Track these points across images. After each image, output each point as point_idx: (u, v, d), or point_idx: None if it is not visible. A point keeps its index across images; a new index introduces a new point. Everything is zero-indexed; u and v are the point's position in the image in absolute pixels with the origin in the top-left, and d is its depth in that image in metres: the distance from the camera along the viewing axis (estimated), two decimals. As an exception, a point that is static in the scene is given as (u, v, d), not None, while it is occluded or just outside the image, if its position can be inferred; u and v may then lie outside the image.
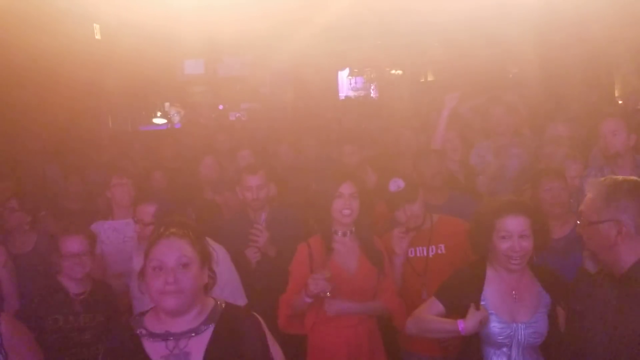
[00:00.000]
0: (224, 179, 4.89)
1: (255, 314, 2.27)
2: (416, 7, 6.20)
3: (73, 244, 3.33)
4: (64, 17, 5.70)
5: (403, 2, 6.34)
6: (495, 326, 2.73)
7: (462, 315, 2.73)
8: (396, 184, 3.40)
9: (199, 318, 2.13)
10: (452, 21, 6.25)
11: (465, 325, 2.68)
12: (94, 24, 6.99)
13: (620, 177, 2.20)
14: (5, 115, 6.16)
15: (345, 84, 10.66)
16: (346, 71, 10.54)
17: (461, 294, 2.79)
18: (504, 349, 2.74)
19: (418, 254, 3.42)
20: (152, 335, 2.10)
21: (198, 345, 2.09)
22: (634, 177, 2.22)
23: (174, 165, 5.57)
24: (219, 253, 3.07)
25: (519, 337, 2.73)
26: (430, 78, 9.93)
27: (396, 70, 10.09)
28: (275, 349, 2.24)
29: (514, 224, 2.72)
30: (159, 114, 9.63)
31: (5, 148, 5.76)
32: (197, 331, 2.11)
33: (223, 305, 2.21)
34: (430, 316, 2.81)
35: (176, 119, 9.49)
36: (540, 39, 6.41)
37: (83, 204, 5.04)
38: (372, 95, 10.44)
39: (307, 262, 3.18)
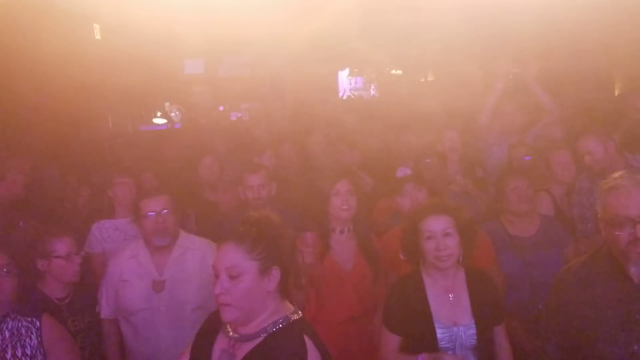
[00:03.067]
0: (223, 178, 4.90)
1: (307, 337, 2.08)
2: (416, 7, 6.19)
3: (64, 245, 3.26)
4: (63, 17, 5.69)
5: (403, 1, 6.34)
6: (437, 332, 2.75)
7: (418, 336, 2.77)
8: (403, 171, 3.46)
9: (265, 322, 2.05)
10: (453, 21, 6.23)
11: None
12: (94, 24, 6.98)
13: None
14: (5, 115, 6.15)
15: (345, 84, 10.65)
16: (346, 71, 10.52)
17: (407, 312, 2.80)
18: (449, 352, 2.76)
19: None
20: (224, 330, 2.10)
21: (245, 349, 2.05)
22: None
23: (174, 165, 5.57)
24: (211, 250, 3.08)
25: (461, 340, 2.75)
26: (430, 78, 9.92)
27: (396, 70, 10.07)
28: None
29: (436, 223, 2.80)
30: (159, 114, 9.61)
31: (4, 148, 5.75)
32: (252, 337, 2.05)
33: (294, 317, 2.08)
34: (393, 357, 2.81)
35: (176, 119, 9.47)
36: (541, 39, 6.40)
37: (82, 204, 5.03)
38: (372, 95, 10.43)
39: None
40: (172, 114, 9.46)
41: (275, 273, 2.05)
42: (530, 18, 5.97)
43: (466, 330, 2.76)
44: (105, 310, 3.42)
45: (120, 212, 4.29)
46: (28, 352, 2.49)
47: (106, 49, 6.82)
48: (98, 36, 6.97)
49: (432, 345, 2.76)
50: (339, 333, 3.23)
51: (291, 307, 2.12)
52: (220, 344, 2.10)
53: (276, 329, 2.03)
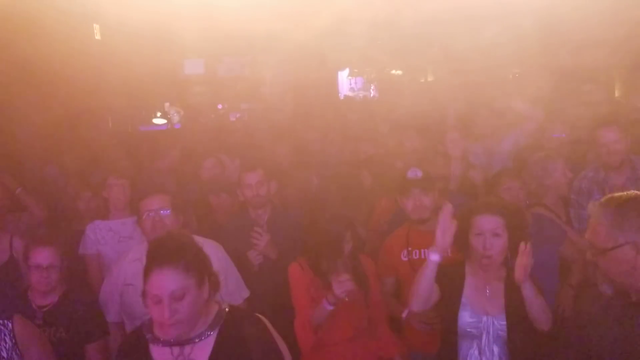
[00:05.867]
0: (223, 179, 4.89)
1: (259, 315, 2.30)
2: (416, 7, 6.19)
3: (41, 256, 3.18)
4: (63, 17, 5.69)
5: (403, 2, 6.34)
6: (465, 315, 2.87)
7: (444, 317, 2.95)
8: (414, 172, 3.43)
9: (203, 324, 2.16)
10: (453, 21, 6.24)
11: (432, 252, 2.79)
12: (94, 24, 6.98)
13: (622, 196, 2.10)
14: (5, 115, 6.15)
15: (345, 84, 10.65)
16: (346, 71, 10.52)
17: (444, 290, 2.93)
18: (475, 341, 2.86)
19: (422, 256, 3.41)
20: (158, 341, 2.15)
21: (202, 352, 2.13)
22: (632, 192, 2.12)
23: (174, 166, 5.57)
24: (214, 251, 3.07)
25: (489, 330, 2.84)
26: (430, 78, 9.92)
27: (396, 70, 10.07)
28: (284, 348, 2.28)
29: (487, 222, 2.87)
30: (159, 114, 9.60)
31: (4, 148, 5.76)
32: (200, 337, 2.14)
33: (226, 309, 2.24)
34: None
35: (176, 119, 9.46)
36: (541, 39, 6.41)
37: (82, 205, 5.02)
38: (372, 95, 10.42)
39: (304, 280, 3.20)
40: (172, 114, 9.45)
41: (207, 282, 2.18)
42: (530, 18, 5.98)
43: (496, 321, 2.85)
44: (111, 314, 3.38)
45: (115, 213, 4.28)
46: (4, 354, 2.44)
47: (106, 49, 6.83)
48: (98, 36, 6.97)
49: (452, 329, 2.89)
50: (345, 351, 3.23)
51: (215, 305, 2.24)
52: (160, 356, 2.14)
53: (224, 321, 2.18)
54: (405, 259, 3.51)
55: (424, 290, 2.83)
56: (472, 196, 4.35)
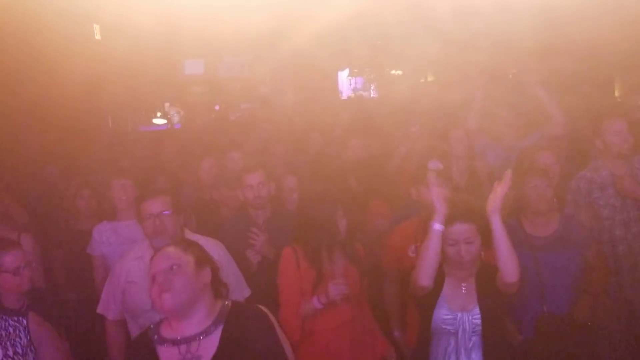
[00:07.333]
0: (223, 177, 4.90)
1: (262, 307, 2.33)
2: (416, 7, 6.19)
3: (11, 259, 3.11)
4: (63, 17, 5.69)
5: (403, 2, 6.33)
6: (441, 312, 2.93)
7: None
8: (435, 164, 3.47)
9: (208, 320, 2.19)
10: (452, 21, 6.24)
11: (435, 222, 2.83)
12: (94, 25, 6.99)
13: None
14: (5, 115, 6.15)
15: (345, 84, 10.64)
16: (346, 71, 10.52)
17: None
18: (452, 337, 2.92)
19: None
20: (165, 341, 2.17)
21: (208, 347, 2.14)
22: None
23: (174, 166, 5.58)
24: (215, 248, 3.08)
25: (464, 326, 2.90)
26: (430, 78, 9.91)
27: (396, 70, 10.07)
28: (285, 340, 2.31)
29: (460, 231, 2.91)
30: (159, 114, 9.60)
31: (4, 149, 5.76)
32: (206, 332, 2.16)
33: (230, 304, 2.27)
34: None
35: (176, 119, 9.46)
36: (540, 39, 6.40)
37: (82, 205, 5.02)
38: (372, 95, 10.42)
39: (295, 269, 3.19)
40: (172, 115, 9.45)
41: (208, 271, 2.27)
42: (529, 18, 5.97)
43: (470, 316, 2.91)
44: (112, 312, 3.38)
45: (121, 214, 4.28)
46: (19, 350, 2.47)
47: (106, 49, 6.83)
48: (98, 36, 6.98)
49: (427, 327, 2.95)
50: (331, 339, 3.23)
51: (220, 300, 2.29)
52: (168, 356, 2.15)
53: (228, 316, 2.22)
54: (413, 255, 3.49)
55: (431, 262, 2.86)
56: (478, 193, 4.33)
